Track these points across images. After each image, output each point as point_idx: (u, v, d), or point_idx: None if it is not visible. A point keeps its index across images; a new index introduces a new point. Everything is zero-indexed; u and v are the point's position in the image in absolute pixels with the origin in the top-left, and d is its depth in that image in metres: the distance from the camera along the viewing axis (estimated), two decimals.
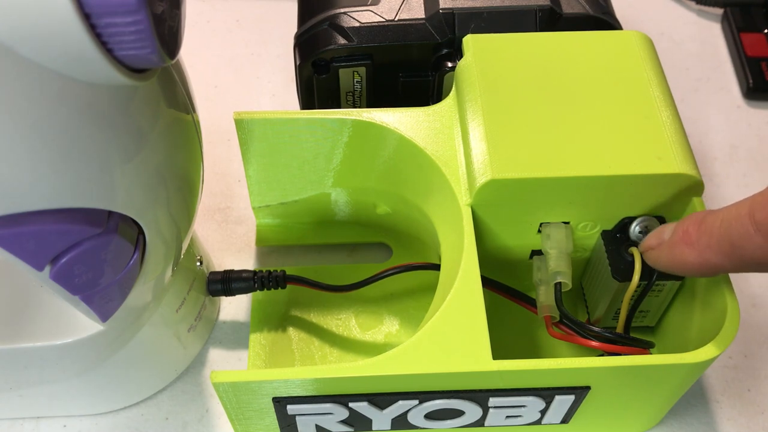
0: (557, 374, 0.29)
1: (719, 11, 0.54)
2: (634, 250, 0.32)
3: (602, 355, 0.32)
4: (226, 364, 0.38)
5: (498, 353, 0.28)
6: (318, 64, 0.40)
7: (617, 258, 0.33)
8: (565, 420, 0.33)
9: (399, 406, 0.30)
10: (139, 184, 0.24)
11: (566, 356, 0.37)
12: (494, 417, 0.32)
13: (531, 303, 0.34)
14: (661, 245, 0.27)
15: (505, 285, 0.35)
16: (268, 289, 0.36)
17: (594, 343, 0.31)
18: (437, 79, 0.40)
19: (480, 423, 0.32)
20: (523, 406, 0.31)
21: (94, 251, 0.24)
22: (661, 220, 0.33)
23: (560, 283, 0.32)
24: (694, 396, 0.37)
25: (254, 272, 0.36)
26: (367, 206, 0.40)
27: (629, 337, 0.32)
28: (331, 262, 0.41)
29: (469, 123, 0.33)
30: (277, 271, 0.36)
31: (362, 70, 0.40)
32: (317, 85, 0.41)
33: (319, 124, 0.35)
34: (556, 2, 0.40)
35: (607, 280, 0.33)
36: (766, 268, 0.24)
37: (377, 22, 0.39)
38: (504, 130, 0.32)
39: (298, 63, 0.40)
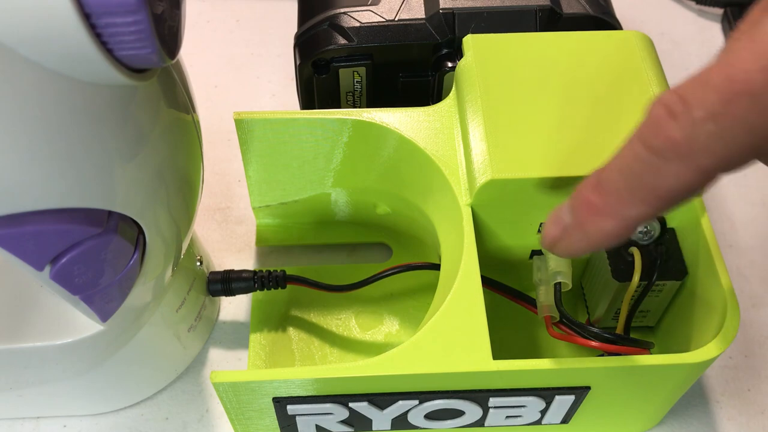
0: (557, 374, 0.29)
1: (719, 11, 0.54)
2: (635, 250, 0.32)
3: (602, 355, 0.32)
4: (226, 364, 0.38)
5: (498, 353, 0.28)
6: (318, 64, 0.40)
7: (617, 258, 0.33)
8: (565, 420, 0.33)
9: (399, 406, 0.30)
10: (139, 184, 0.24)
11: (566, 356, 0.37)
12: (494, 417, 0.32)
13: (531, 303, 0.34)
14: (567, 231, 0.23)
15: (505, 285, 0.35)
16: (268, 289, 0.36)
17: (594, 344, 0.31)
18: (437, 79, 0.40)
19: (480, 423, 0.32)
20: (523, 406, 0.31)
21: (94, 251, 0.24)
22: (661, 220, 0.33)
23: (560, 283, 0.32)
24: (694, 396, 0.37)
25: (254, 272, 0.36)
26: (367, 206, 0.40)
27: (629, 338, 0.32)
28: (331, 262, 0.41)
29: (469, 123, 0.33)
30: (277, 271, 0.36)
31: (362, 70, 0.40)
32: (317, 85, 0.41)
33: (319, 124, 0.35)
34: (556, 2, 0.40)
35: (607, 280, 0.33)
36: (686, 197, 0.20)
37: (377, 22, 0.39)
38: (504, 130, 0.32)
39: (298, 63, 0.40)
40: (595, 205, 0.20)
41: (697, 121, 0.17)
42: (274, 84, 0.50)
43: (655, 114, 0.19)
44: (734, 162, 0.18)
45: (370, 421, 0.31)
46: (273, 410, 0.30)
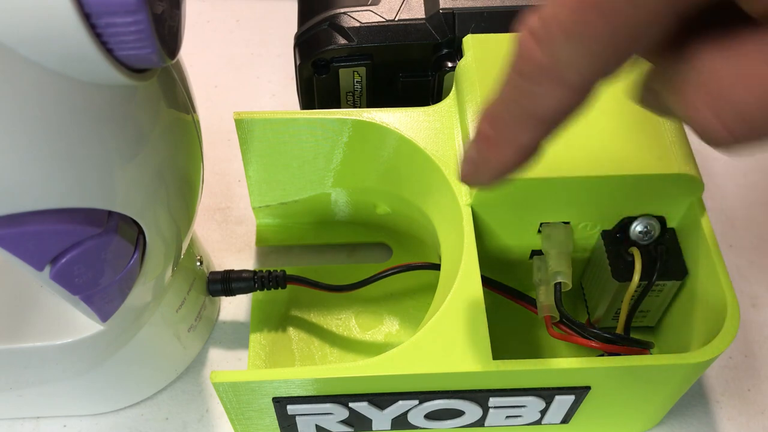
0: (557, 374, 0.29)
1: None
2: (635, 250, 0.32)
3: (602, 355, 0.32)
4: (226, 364, 0.38)
5: (498, 353, 0.28)
6: (318, 64, 0.40)
7: (617, 258, 0.33)
8: (565, 420, 0.33)
9: (399, 406, 0.30)
10: (139, 184, 0.24)
11: (566, 356, 0.37)
12: (494, 417, 0.32)
13: (531, 303, 0.34)
14: (477, 166, 0.22)
15: (505, 285, 0.35)
16: (268, 289, 0.36)
17: (594, 344, 0.31)
18: (437, 79, 0.40)
19: (480, 423, 0.32)
20: (523, 406, 0.31)
21: (94, 251, 0.24)
22: (661, 220, 0.33)
23: (560, 283, 0.32)
24: (694, 396, 0.37)
25: (254, 272, 0.36)
26: (367, 206, 0.40)
27: (629, 338, 0.32)
28: (331, 262, 0.41)
29: (469, 123, 0.33)
30: (277, 271, 0.36)
31: (362, 70, 0.40)
32: (317, 85, 0.41)
33: (319, 124, 0.35)
34: None
35: (607, 280, 0.33)
36: (569, 113, 0.20)
37: (377, 22, 0.39)
38: None
39: (298, 63, 0.40)
40: (491, 137, 0.20)
41: (556, 39, 0.17)
42: (274, 84, 0.50)
43: (521, 39, 0.18)
44: (605, 69, 0.18)
45: (370, 421, 0.31)
46: (273, 410, 0.30)
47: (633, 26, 0.17)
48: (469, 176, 0.22)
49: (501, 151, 0.20)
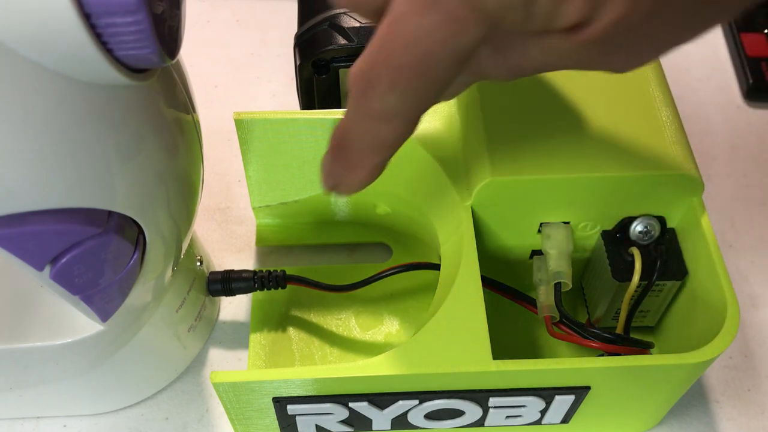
0: (557, 374, 0.29)
1: None
2: (635, 250, 0.32)
3: (602, 355, 0.32)
4: (226, 364, 0.38)
5: (498, 353, 0.28)
6: (318, 64, 0.40)
7: (617, 258, 0.33)
8: (565, 420, 0.33)
9: (399, 406, 0.30)
10: (139, 184, 0.24)
11: (566, 356, 0.37)
12: (494, 417, 0.32)
13: (531, 303, 0.34)
14: (340, 180, 0.26)
15: (505, 285, 0.35)
16: (268, 289, 0.36)
17: (594, 344, 0.31)
18: None
19: (480, 423, 0.32)
20: (523, 406, 0.31)
21: (94, 251, 0.24)
22: (661, 220, 0.33)
23: (560, 283, 0.32)
24: (694, 396, 0.37)
25: (254, 272, 0.36)
26: (367, 206, 0.40)
27: (629, 338, 0.32)
28: (331, 262, 0.41)
29: (469, 123, 0.33)
30: (277, 271, 0.36)
31: None
32: (317, 85, 0.41)
33: (319, 124, 0.35)
34: None
35: (607, 280, 0.33)
36: (408, 134, 0.24)
37: None
38: (504, 131, 0.32)
39: (298, 63, 0.40)
40: (347, 162, 0.24)
41: (384, 92, 0.21)
42: (274, 84, 0.50)
43: (357, 90, 0.22)
44: (427, 105, 0.22)
45: (370, 421, 0.31)
46: (273, 410, 0.30)
47: (438, 81, 0.21)
48: (332, 189, 0.26)
49: (357, 172, 0.24)
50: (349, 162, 0.24)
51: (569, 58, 0.21)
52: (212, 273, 0.36)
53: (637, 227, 0.33)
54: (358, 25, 0.39)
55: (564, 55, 0.21)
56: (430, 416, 0.31)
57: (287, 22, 0.52)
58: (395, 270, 0.36)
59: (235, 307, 0.39)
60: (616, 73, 0.22)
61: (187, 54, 0.29)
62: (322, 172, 0.26)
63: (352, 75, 0.22)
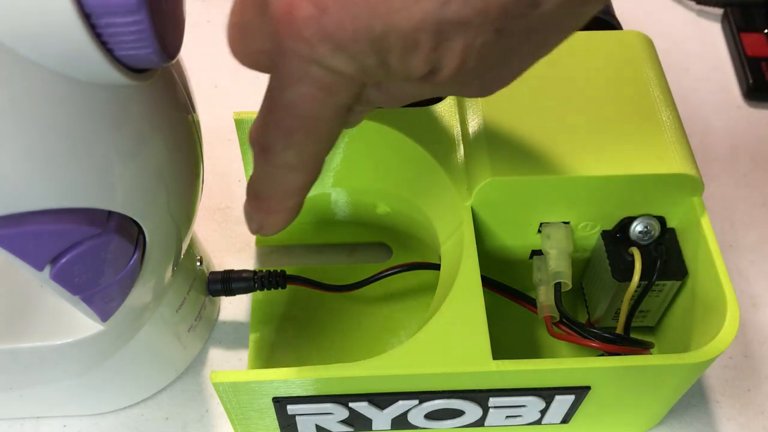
0: (557, 374, 0.29)
1: (719, 11, 0.54)
2: (635, 250, 0.32)
3: (602, 355, 0.32)
4: (226, 364, 0.38)
5: (498, 353, 0.28)
6: None
7: (617, 258, 0.33)
8: (565, 420, 0.33)
9: (399, 406, 0.30)
10: (139, 184, 0.24)
11: (566, 356, 0.37)
12: (494, 417, 0.32)
13: (531, 303, 0.34)
14: (261, 225, 0.28)
15: (505, 285, 0.35)
16: (268, 289, 0.36)
17: (594, 344, 0.31)
18: None
19: (480, 423, 0.32)
20: (523, 406, 0.31)
21: (94, 251, 0.24)
22: (661, 220, 0.33)
23: (560, 283, 0.32)
24: (694, 396, 0.37)
25: (254, 272, 0.36)
26: (367, 206, 0.40)
27: (629, 338, 0.32)
28: (331, 262, 0.41)
29: (469, 123, 0.33)
30: (277, 271, 0.36)
31: None
32: None
33: None
34: None
35: (607, 280, 0.33)
36: (312, 183, 0.26)
37: None
38: (504, 130, 0.32)
39: None
40: (266, 208, 0.27)
41: (282, 151, 0.24)
42: None
43: (254, 148, 0.25)
44: (323, 157, 0.25)
45: (370, 420, 0.31)
46: (273, 410, 0.30)
47: (326, 133, 0.24)
48: (256, 232, 0.28)
49: (276, 215, 0.27)
50: (267, 208, 0.27)
51: (436, 91, 0.24)
52: (212, 273, 0.36)
53: (637, 227, 0.33)
54: None
55: (431, 90, 0.23)
56: (430, 416, 0.31)
57: None
58: (395, 270, 0.36)
59: (235, 307, 0.39)
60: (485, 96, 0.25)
61: (187, 54, 0.29)
62: (246, 218, 0.28)
63: (249, 137, 0.25)
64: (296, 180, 0.25)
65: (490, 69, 0.23)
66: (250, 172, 0.37)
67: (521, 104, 0.33)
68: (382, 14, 0.20)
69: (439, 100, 0.37)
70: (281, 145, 0.24)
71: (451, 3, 0.20)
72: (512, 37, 0.21)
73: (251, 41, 0.23)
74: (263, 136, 0.24)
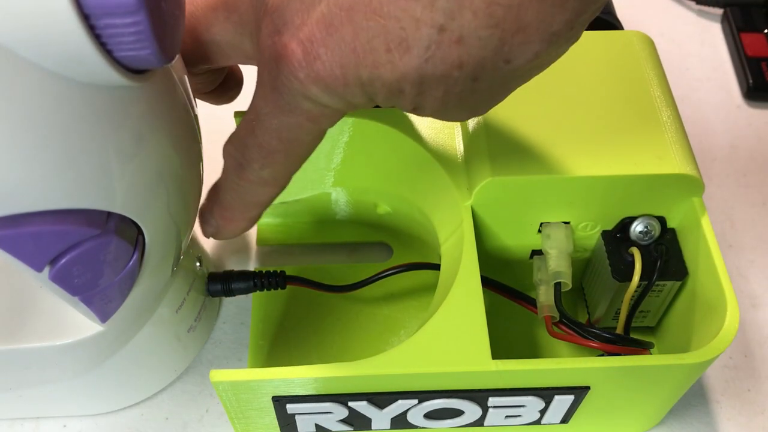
0: (557, 374, 0.29)
1: (719, 11, 0.54)
2: (635, 250, 0.32)
3: (602, 355, 0.32)
4: (226, 364, 0.38)
5: (498, 353, 0.28)
6: None
7: (617, 258, 0.33)
8: (565, 420, 0.33)
9: (398, 406, 0.30)
10: (139, 185, 0.24)
11: (566, 356, 0.37)
12: (494, 417, 0.32)
13: (531, 303, 0.34)
14: (218, 230, 0.30)
15: (505, 285, 0.35)
16: (268, 289, 0.36)
17: (594, 344, 0.31)
18: None
19: (479, 423, 0.32)
20: (523, 406, 0.31)
21: (93, 252, 0.24)
22: (662, 220, 0.33)
23: (560, 283, 0.32)
24: (694, 396, 0.37)
25: (254, 273, 0.36)
26: (368, 206, 0.40)
27: (629, 338, 0.32)
28: (331, 262, 0.41)
29: (469, 123, 0.33)
30: (277, 271, 0.36)
31: None
32: None
33: None
34: None
35: (607, 280, 0.33)
36: (281, 189, 0.27)
37: None
38: (504, 130, 0.32)
39: None
40: (228, 217, 0.28)
41: (259, 169, 0.26)
42: None
43: (229, 161, 0.27)
44: (293, 172, 0.27)
45: (370, 420, 0.31)
46: (273, 409, 0.30)
47: (304, 155, 0.26)
48: (211, 236, 0.30)
49: (235, 224, 0.29)
50: (230, 217, 0.28)
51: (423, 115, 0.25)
52: (212, 273, 0.36)
53: (637, 227, 0.33)
54: None
55: (417, 114, 0.25)
56: (430, 416, 0.31)
57: None
58: (395, 270, 0.36)
59: (235, 307, 0.39)
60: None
61: None
62: (201, 221, 0.30)
63: (225, 151, 0.27)
64: (265, 194, 0.27)
65: (470, 105, 0.24)
66: None
67: (521, 104, 0.33)
68: (369, 66, 0.22)
69: None
70: (259, 164, 0.26)
71: (431, 59, 0.21)
72: (489, 82, 0.23)
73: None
74: (242, 154, 0.26)
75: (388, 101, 0.23)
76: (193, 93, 0.28)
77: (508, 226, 0.34)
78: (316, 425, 0.32)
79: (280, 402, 0.30)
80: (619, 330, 0.33)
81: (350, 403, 0.30)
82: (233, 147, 0.26)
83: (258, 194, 0.27)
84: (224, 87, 0.33)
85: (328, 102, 0.23)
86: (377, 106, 0.24)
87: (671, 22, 0.54)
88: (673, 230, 0.33)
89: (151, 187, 0.25)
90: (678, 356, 0.28)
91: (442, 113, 0.24)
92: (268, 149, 0.25)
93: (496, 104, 0.25)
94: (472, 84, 0.22)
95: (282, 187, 0.27)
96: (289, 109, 0.23)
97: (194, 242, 0.35)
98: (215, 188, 0.29)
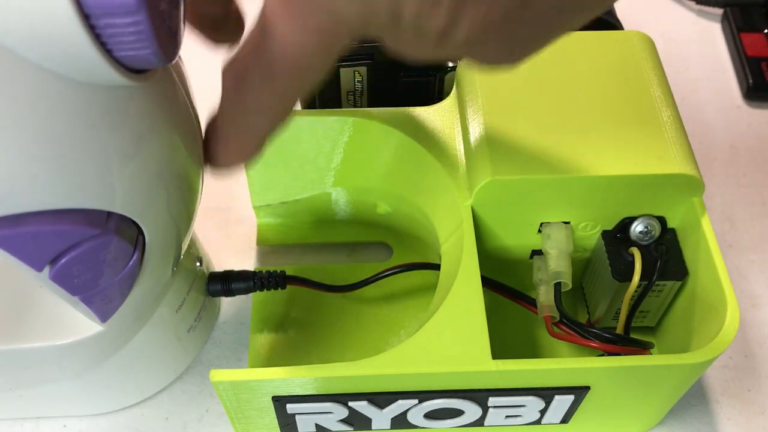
0: (557, 374, 0.29)
1: (719, 11, 0.54)
2: (635, 250, 0.32)
3: (602, 355, 0.32)
4: (226, 364, 0.38)
5: (498, 353, 0.28)
6: None
7: (617, 258, 0.33)
8: (565, 420, 0.33)
9: (398, 406, 0.30)
10: (139, 185, 0.24)
11: (566, 356, 0.37)
12: (494, 417, 0.32)
13: (531, 303, 0.34)
14: (225, 146, 0.27)
15: (505, 285, 0.35)
16: (268, 289, 0.36)
17: (594, 344, 0.31)
18: (438, 79, 0.40)
19: (480, 423, 0.32)
20: (523, 405, 0.31)
21: (93, 252, 0.24)
22: (662, 220, 0.33)
23: (560, 283, 0.32)
24: (694, 396, 0.37)
25: (254, 272, 0.36)
26: (368, 206, 0.40)
27: (629, 338, 0.32)
28: (331, 262, 0.41)
29: (469, 123, 0.33)
30: (277, 271, 0.36)
31: (363, 69, 0.40)
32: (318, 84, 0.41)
33: (319, 123, 0.35)
34: None
35: (607, 280, 0.33)
36: (282, 119, 0.25)
37: None
38: (504, 130, 0.32)
39: None
40: (223, 144, 0.27)
41: (259, 91, 0.24)
42: None
43: (228, 82, 0.24)
44: (309, 90, 0.24)
45: (370, 420, 0.31)
46: (273, 409, 0.30)
47: (311, 80, 0.24)
48: (208, 163, 0.28)
49: (234, 154, 0.27)
50: (225, 145, 0.27)
51: (449, 56, 0.23)
52: (212, 273, 0.36)
53: (637, 227, 0.33)
54: None
55: (444, 55, 0.22)
56: (430, 416, 0.31)
57: None
58: (395, 270, 0.36)
59: (235, 307, 0.39)
60: (511, 67, 0.23)
61: (187, 54, 0.29)
62: (212, 143, 0.27)
63: (224, 71, 0.24)
64: (264, 122, 0.25)
65: (512, 39, 0.21)
66: (251, 171, 0.38)
67: (521, 104, 0.33)
68: None
69: (440, 94, 0.37)
70: (259, 86, 0.23)
71: None
72: (538, 10, 0.20)
73: None
74: (243, 71, 0.24)
75: (419, 17, 0.20)
76: (196, 19, 0.27)
77: (508, 226, 0.34)
78: (316, 425, 0.32)
79: (280, 402, 0.30)
80: (619, 330, 0.33)
81: (350, 403, 0.30)
82: (232, 66, 0.24)
83: (258, 121, 0.25)
84: (226, 23, 0.30)
85: (346, 8, 0.21)
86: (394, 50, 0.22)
87: (671, 22, 0.54)
88: (673, 230, 0.33)
89: (151, 186, 0.25)
90: (678, 356, 0.28)
91: (479, 44, 0.21)
92: (272, 71, 0.23)
93: (538, 49, 0.23)
94: (520, 9, 0.20)
95: (281, 117, 0.25)
96: (302, 22, 0.21)
97: (194, 242, 0.35)
98: (210, 118, 0.27)
